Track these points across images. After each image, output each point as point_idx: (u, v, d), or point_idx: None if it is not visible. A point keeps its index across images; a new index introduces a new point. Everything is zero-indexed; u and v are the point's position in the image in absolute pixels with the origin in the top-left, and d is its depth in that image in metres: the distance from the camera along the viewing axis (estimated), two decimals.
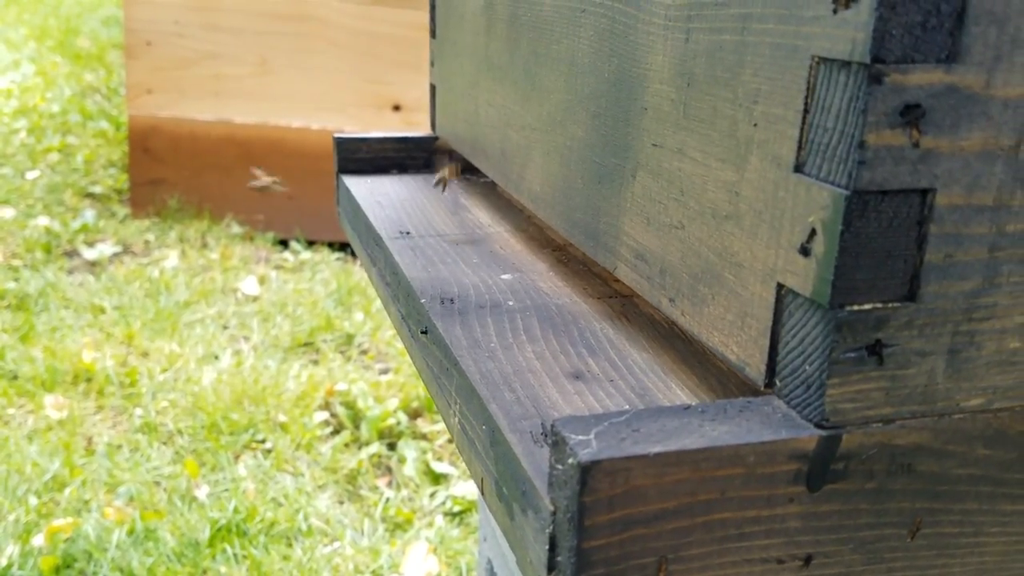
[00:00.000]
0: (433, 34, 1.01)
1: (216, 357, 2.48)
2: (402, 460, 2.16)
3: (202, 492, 1.96)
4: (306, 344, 2.61)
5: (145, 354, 2.46)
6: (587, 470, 0.38)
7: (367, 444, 2.21)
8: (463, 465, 2.17)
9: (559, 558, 0.40)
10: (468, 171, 1.04)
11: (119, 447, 2.08)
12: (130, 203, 3.31)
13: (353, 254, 3.20)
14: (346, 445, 2.20)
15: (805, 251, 0.40)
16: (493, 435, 0.49)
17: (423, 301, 0.65)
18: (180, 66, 3.21)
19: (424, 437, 2.27)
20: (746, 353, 0.45)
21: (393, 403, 2.31)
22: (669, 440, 0.39)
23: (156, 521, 1.82)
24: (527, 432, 0.48)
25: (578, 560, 0.39)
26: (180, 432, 2.16)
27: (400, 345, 2.59)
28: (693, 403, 0.42)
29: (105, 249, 3.02)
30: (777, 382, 0.43)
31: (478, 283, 0.69)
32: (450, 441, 2.26)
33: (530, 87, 0.72)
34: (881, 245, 0.38)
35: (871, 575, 0.43)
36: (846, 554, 0.42)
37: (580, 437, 0.39)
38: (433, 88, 1.03)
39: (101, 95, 4.60)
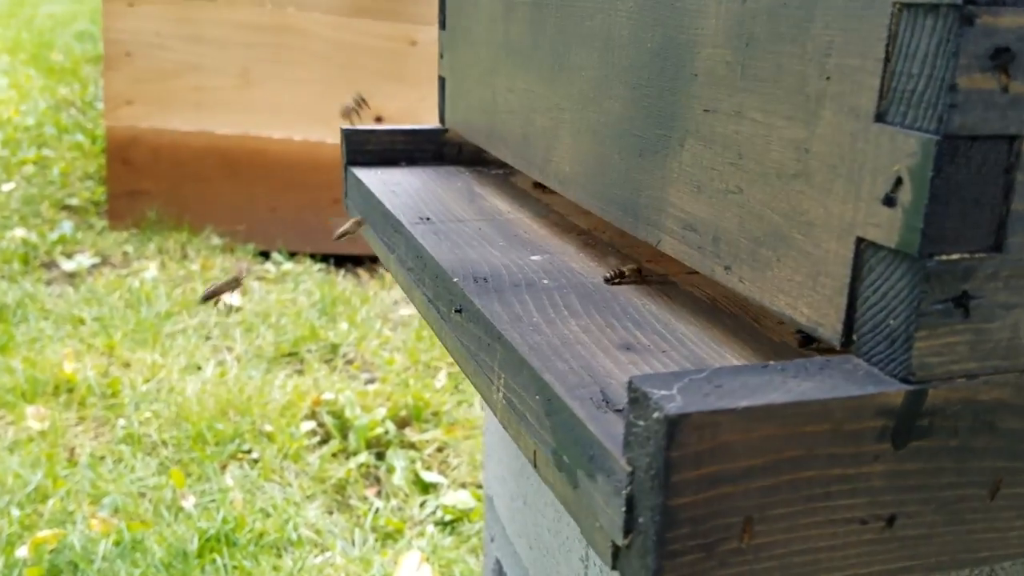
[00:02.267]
0: (443, 25, 1.00)
1: (199, 368, 2.44)
2: (391, 470, 2.14)
3: (189, 502, 1.92)
4: (290, 354, 2.58)
5: (127, 365, 2.42)
6: (675, 423, 0.36)
7: (355, 454, 2.18)
8: (453, 474, 2.15)
9: (640, 519, 0.39)
10: (478, 163, 1.02)
11: (102, 458, 2.04)
12: (108, 215, 3.26)
13: (337, 264, 3.17)
14: (334, 455, 2.17)
15: (889, 201, 0.39)
16: (550, 404, 0.48)
17: (455, 280, 0.63)
18: (161, 77, 3.17)
19: (413, 446, 2.24)
20: (819, 313, 0.44)
21: (381, 412, 2.29)
22: (755, 395, 0.38)
23: (143, 532, 1.78)
24: (587, 399, 0.46)
25: (663, 519, 0.37)
26: (164, 443, 2.12)
27: (387, 354, 2.57)
28: (770, 362, 0.41)
29: (83, 260, 2.98)
30: (855, 339, 0.42)
31: (508, 264, 0.67)
32: (439, 450, 2.24)
33: (557, 67, 0.71)
34: (969, 193, 0.38)
35: (951, 536, 0.42)
36: (928, 515, 0.41)
37: (663, 392, 0.38)
38: (442, 80, 1.01)
39: (76, 108, 4.54)
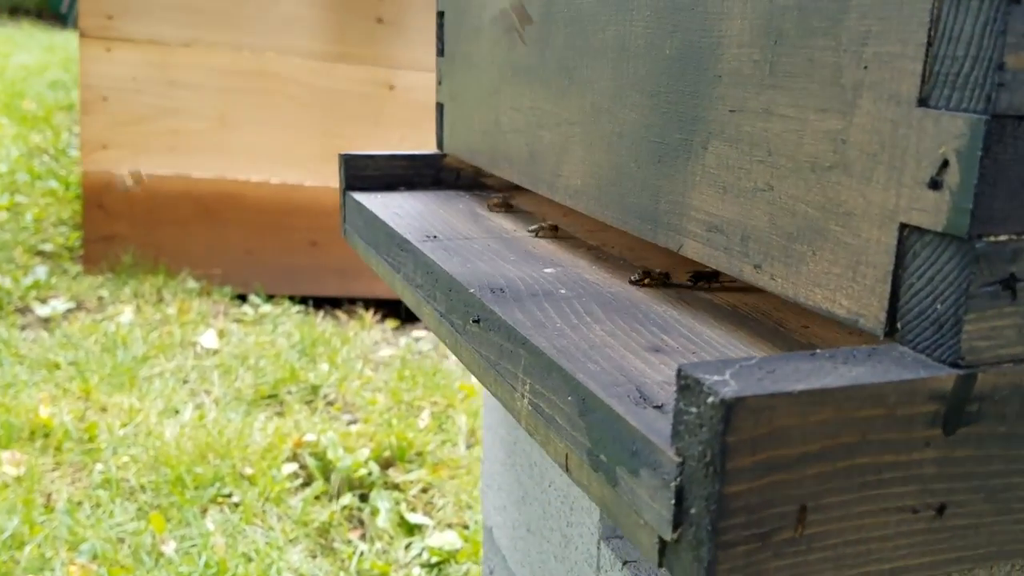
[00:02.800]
0: (440, 52, 1.01)
1: (177, 411, 2.40)
2: (375, 511, 2.10)
3: (169, 548, 1.87)
4: (270, 396, 2.54)
5: (104, 409, 2.37)
6: (731, 408, 0.35)
7: (338, 496, 2.14)
8: (438, 515, 2.12)
9: (692, 510, 0.38)
10: (476, 188, 1.02)
11: (80, 503, 1.99)
12: (83, 259, 3.22)
13: (316, 306, 3.15)
14: (316, 497, 2.13)
15: (935, 184, 0.39)
16: (584, 403, 0.47)
17: (472, 291, 0.62)
18: (137, 122, 3.16)
19: (397, 487, 2.21)
20: (860, 304, 0.43)
21: (364, 453, 2.25)
22: (810, 379, 0.37)
23: None
24: (624, 396, 0.45)
25: (718, 507, 0.36)
26: (143, 487, 2.08)
27: (368, 395, 2.55)
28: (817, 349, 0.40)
29: (58, 305, 2.93)
30: (899, 327, 0.41)
31: (523, 276, 0.67)
32: (424, 491, 2.21)
33: (567, 82, 0.71)
34: (1016, 174, 0.38)
35: (1000, 527, 0.42)
36: (977, 503, 0.41)
37: (716, 377, 0.37)
38: (440, 106, 1.01)
39: (49, 156, 4.51)
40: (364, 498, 2.14)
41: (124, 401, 2.40)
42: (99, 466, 2.13)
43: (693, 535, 0.38)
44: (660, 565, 0.41)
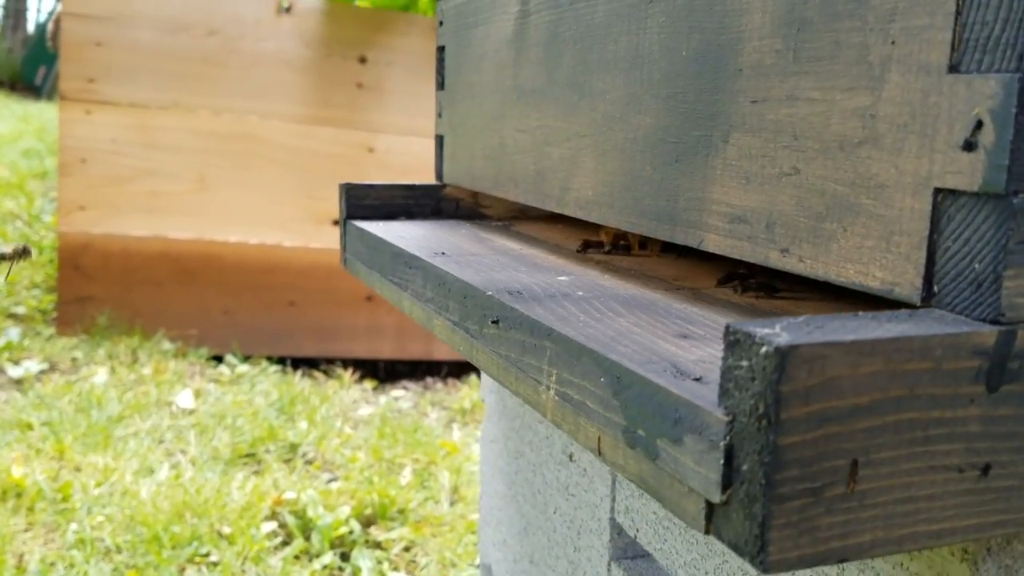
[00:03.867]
0: (441, 86, 1.02)
1: (153, 471, 2.35)
2: (357, 571, 2.06)
3: None
4: (248, 455, 2.50)
5: (78, 469, 2.32)
6: (785, 355, 0.36)
7: (319, 555, 2.10)
8: (421, 573, 2.08)
9: (743, 466, 0.38)
10: (476, 217, 1.03)
11: (53, 564, 1.93)
12: (57, 321, 3.18)
13: (294, 366, 3.12)
14: (296, 556, 2.08)
15: (970, 146, 0.40)
16: (619, 381, 0.47)
17: (489, 293, 0.63)
18: (115, 183, 3.16)
19: (379, 546, 2.17)
20: (894, 274, 0.44)
21: (345, 511, 2.21)
22: (859, 332, 0.37)
23: None
24: (661, 371, 0.45)
25: (773, 459, 0.36)
26: (119, 547, 2.02)
27: (348, 452, 2.51)
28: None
29: (31, 367, 2.89)
30: (936, 290, 0.42)
31: (539, 282, 0.67)
32: (407, 549, 2.17)
33: (577, 97, 0.73)
34: None
35: None
36: (1020, 464, 0.41)
37: (767, 330, 0.37)
38: (440, 138, 1.03)
39: (23, 221, 4.49)
40: (345, 557, 2.10)
41: (99, 461, 2.35)
42: (73, 526, 2.07)
43: (745, 492, 0.38)
44: (707, 532, 0.40)
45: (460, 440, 2.71)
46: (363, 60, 3.30)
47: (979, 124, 0.39)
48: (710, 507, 0.40)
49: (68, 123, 3.12)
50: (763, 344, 0.36)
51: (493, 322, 0.61)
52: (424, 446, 2.59)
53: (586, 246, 0.80)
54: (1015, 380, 0.40)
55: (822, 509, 0.38)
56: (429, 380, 3.35)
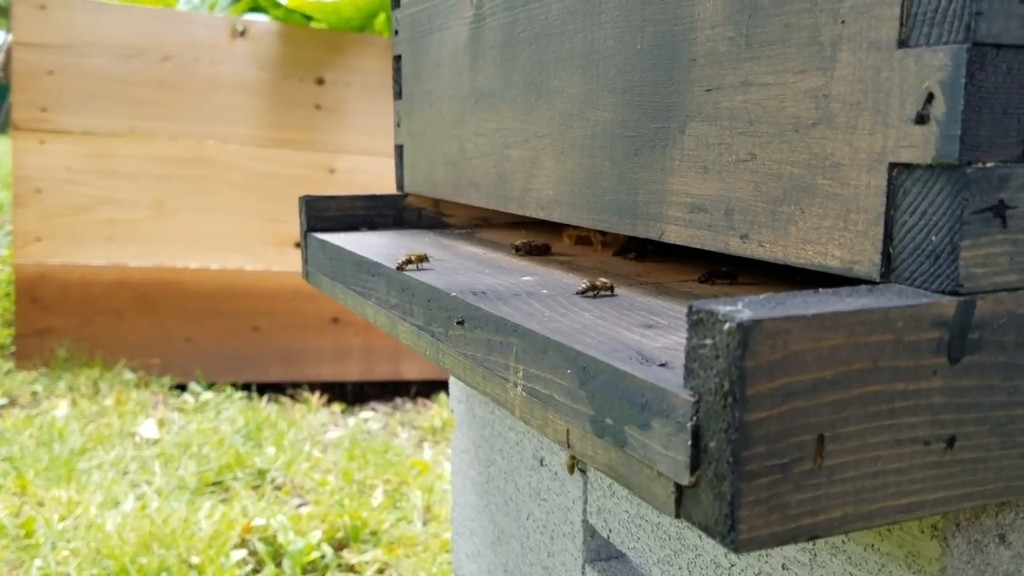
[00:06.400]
0: (398, 96, 1.02)
1: (118, 503, 2.31)
2: None
3: None
4: (215, 483, 2.47)
5: (41, 503, 2.27)
6: (748, 331, 0.36)
7: None
8: None
9: (711, 444, 0.37)
10: (438, 227, 1.02)
11: None
12: (16, 355, 3.12)
13: (260, 391, 3.09)
14: None
15: (922, 119, 0.40)
16: (585, 371, 0.46)
17: (454, 295, 0.62)
18: (72, 212, 3.12)
19: (352, 569, 2.14)
20: (852, 252, 0.44)
21: (316, 535, 2.19)
22: (820, 306, 0.38)
23: None
24: (627, 359, 0.45)
25: (740, 436, 0.36)
26: None
27: (318, 476, 2.48)
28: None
29: None
30: (895, 265, 0.42)
31: (503, 283, 0.67)
32: (380, 571, 2.14)
33: (534, 97, 0.73)
34: (998, 101, 0.39)
35: (1007, 461, 0.42)
36: (984, 436, 0.41)
37: (729, 308, 0.37)
38: (399, 147, 1.02)
39: None
40: None
41: (62, 494, 2.30)
42: (38, 562, 2.02)
43: (713, 472, 0.37)
44: (677, 515, 0.40)
45: (432, 459, 2.69)
46: (320, 81, 3.29)
47: (930, 97, 0.40)
48: (679, 490, 0.40)
49: (21, 153, 3.07)
50: (726, 321, 0.36)
51: (458, 323, 0.61)
52: (395, 466, 2.57)
53: (528, 249, 0.80)
54: (976, 351, 0.40)
55: (791, 486, 0.38)
56: (398, 400, 3.33)
